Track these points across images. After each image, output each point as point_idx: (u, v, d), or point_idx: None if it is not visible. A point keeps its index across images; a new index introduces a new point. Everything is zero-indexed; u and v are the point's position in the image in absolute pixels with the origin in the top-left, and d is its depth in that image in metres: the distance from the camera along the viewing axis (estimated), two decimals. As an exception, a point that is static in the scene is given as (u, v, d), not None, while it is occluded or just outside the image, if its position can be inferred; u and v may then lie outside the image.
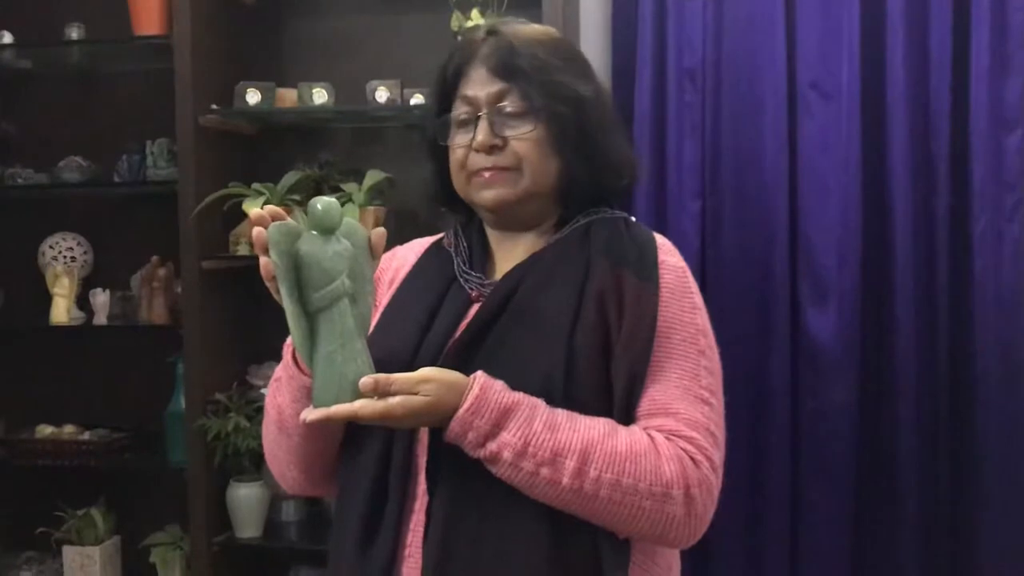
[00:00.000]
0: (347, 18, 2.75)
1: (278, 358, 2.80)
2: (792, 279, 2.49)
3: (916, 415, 2.40)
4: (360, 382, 1.05)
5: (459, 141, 1.25)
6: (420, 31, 2.64)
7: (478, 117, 1.23)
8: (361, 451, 1.18)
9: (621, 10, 2.63)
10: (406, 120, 2.65)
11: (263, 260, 1.08)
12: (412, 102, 2.53)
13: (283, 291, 1.06)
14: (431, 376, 1.08)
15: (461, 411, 1.07)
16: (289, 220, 1.08)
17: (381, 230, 1.15)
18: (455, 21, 2.39)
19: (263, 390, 2.68)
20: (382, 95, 2.53)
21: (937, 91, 2.41)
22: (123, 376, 2.90)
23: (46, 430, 2.84)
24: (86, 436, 2.82)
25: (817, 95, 2.47)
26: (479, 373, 1.10)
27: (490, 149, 1.22)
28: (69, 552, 2.71)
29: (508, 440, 1.07)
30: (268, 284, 1.10)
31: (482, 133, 1.22)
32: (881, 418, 2.44)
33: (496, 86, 1.23)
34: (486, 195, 1.24)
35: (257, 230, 1.06)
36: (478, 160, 1.23)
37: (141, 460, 2.82)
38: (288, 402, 1.20)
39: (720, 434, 1.16)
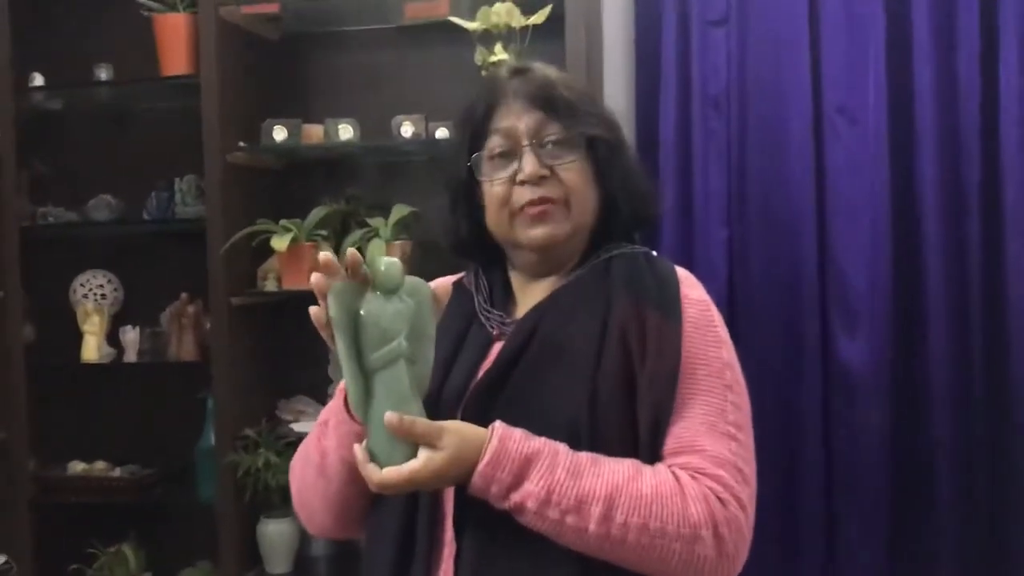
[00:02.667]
0: (371, 53, 2.77)
1: (307, 392, 2.85)
2: (822, 305, 2.46)
3: (950, 442, 2.35)
4: (384, 417, 1.04)
5: (499, 175, 1.22)
6: (444, 66, 2.65)
7: (520, 149, 1.21)
8: (389, 497, 1.16)
9: (644, 37, 2.62)
10: (431, 154, 2.66)
11: (314, 309, 1.07)
12: (437, 136, 2.53)
13: (341, 349, 1.05)
14: (450, 427, 1.06)
15: (481, 465, 1.06)
16: (352, 280, 1.06)
17: (446, 286, 1.13)
18: (479, 56, 2.39)
19: (292, 425, 2.69)
20: (407, 130, 2.54)
21: (966, 113, 2.37)
22: (153, 412, 2.91)
23: (78, 467, 2.86)
24: (117, 472, 2.83)
25: (844, 119, 2.45)
26: (497, 424, 1.09)
27: (539, 180, 1.20)
28: (101, 589, 2.72)
29: (531, 490, 1.05)
30: (318, 328, 1.08)
31: (530, 164, 1.20)
32: (915, 445, 2.39)
33: (536, 117, 1.22)
34: (535, 233, 1.21)
35: (318, 278, 1.05)
36: (524, 193, 1.20)
37: (171, 496, 2.83)
38: (334, 447, 1.18)
39: (749, 469, 1.14)
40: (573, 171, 1.21)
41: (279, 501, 2.63)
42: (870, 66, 2.42)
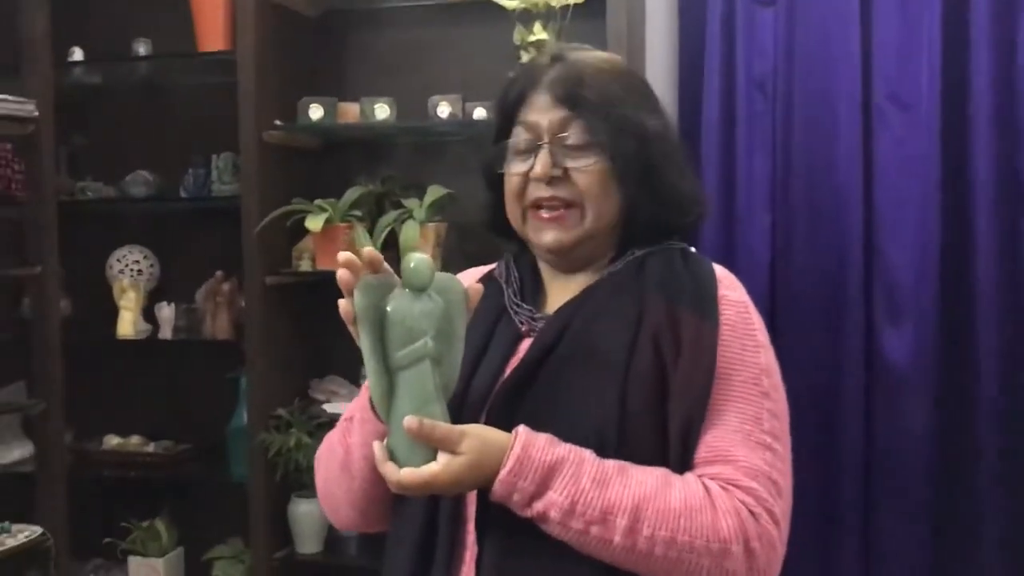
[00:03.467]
0: (409, 32, 2.73)
1: (340, 372, 2.84)
2: (867, 297, 2.39)
3: (998, 441, 2.28)
4: (404, 421, 1.01)
5: (516, 169, 1.19)
6: (482, 45, 2.59)
7: (539, 146, 1.17)
8: (410, 498, 1.13)
9: (688, 18, 2.55)
10: (468, 134, 2.62)
11: (342, 303, 1.04)
12: (474, 116, 2.49)
13: (365, 346, 1.02)
14: (471, 432, 1.03)
15: (503, 472, 1.02)
16: (380, 275, 1.03)
17: (478, 286, 1.09)
18: (518, 35, 2.34)
19: (324, 405, 2.68)
20: (444, 110, 2.50)
21: (1023, 102, 2.27)
22: (187, 389, 2.93)
23: (113, 440, 2.89)
24: (151, 448, 2.85)
25: (895, 106, 2.36)
26: (521, 429, 1.05)
27: (550, 180, 1.16)
28: (134, 563, 2.75)
29: (555, 499, 1.02)
30: (346, 323, 1.05)
31: (541, 163, 1.16)
32: (961, 444, 2.32)
33: (559, 114, 1.17)
34: (545, 238, 1.18)
35: (344, 273, 1.02)
36: (536, 190, 1.18)
37: (204, 473, 2.84)
38: (358, 443, 1.15)
39: (784, 482, 1.09)
40: (590, 175, 1.16)
41: (310, 481, 2.62)
42: (924, 51, 2.33)
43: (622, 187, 1.17)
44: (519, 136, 1.20)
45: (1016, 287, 2.29)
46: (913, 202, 2.35)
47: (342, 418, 1.24)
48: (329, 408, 2.66)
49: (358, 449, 1.15)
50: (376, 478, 1.09)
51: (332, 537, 2.69)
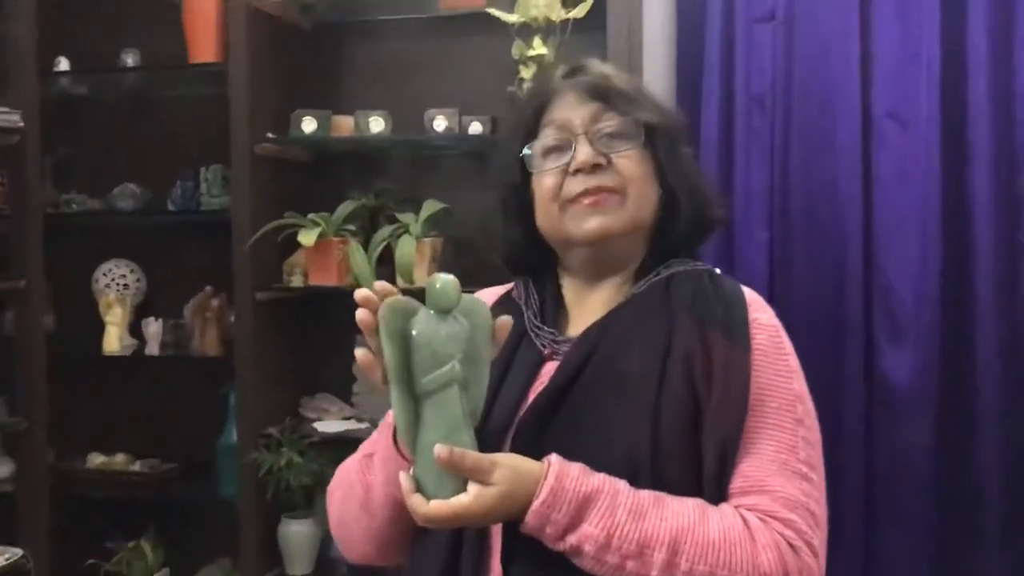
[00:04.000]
0: (405, 45, 2.69)
1: (331, 390, 2.79)
2: (866, 315, 2.37)
3: (999, 461, 2.26)
4: (435, 449, 0.97)
5: (551, 166, 1.16)
6: (480, 58, 2.57)
7: (574, 139, 1.15)
8: (434, 530, 1.08)
9: (687, 32, 2.54)
10: (464, 148, 2.59)
11: (360, 352, 1.00)
12: (470, 130, 2.46)
13: (390, 370, 0.98)
14: (503, 461, 0.99)
15: (536, 504, 0.98)
16: (400, 296, 0.99)
17: (506, 319, 1.04)
18: (517, 49, 2.32)
19: (315, 424, 2.63)
20: (440, 124, 2.47)
21: (1022, 121, 2.27)
22: (174, 406, 2.87)
23: (97, 459, 2.82)
24: (136, 466, 2.79)
25: (894, 124, 2.35)
26: (553, 458, 1.01)
27: (592, 168, 1.13)
28: (119, 585, 2.68)
29: (590, 532, 0.98)
30: (366, 373, 1.02)
31: (583, 152, 1.14)
32: (961, 464, 2.31)
33: (591, 107, 1.16)
34: (589, 224, 1.14)
35: (363, 313, 0.98)
36: (576, 184, 1.14)
37: (191, 492, 2.78)
38: (380, 483, 1.11)
39: (821, 512, 1.06)
40: (630, 160, 1.14)
41: (301, 501, 2.58)
42: (923, 68, 2.32)
43: (660, 177, 1.17)
44: (548, 136, 1.17)
45: (1016, 305, 2.28)
46: (913, 219, 2.34)
47: (361, 452, 1.19)
48: (320, 427, 2.61)
49: (381, 488, 1.11)
50: (398, 516, 1.05)
51: (323, 558, 2.64)
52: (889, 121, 2.36)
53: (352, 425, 2.62)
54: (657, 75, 2.54)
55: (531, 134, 1.19)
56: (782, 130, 2.43)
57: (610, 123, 1.15)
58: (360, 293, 0.99)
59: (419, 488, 1.00)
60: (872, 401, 2.36)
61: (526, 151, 1.18)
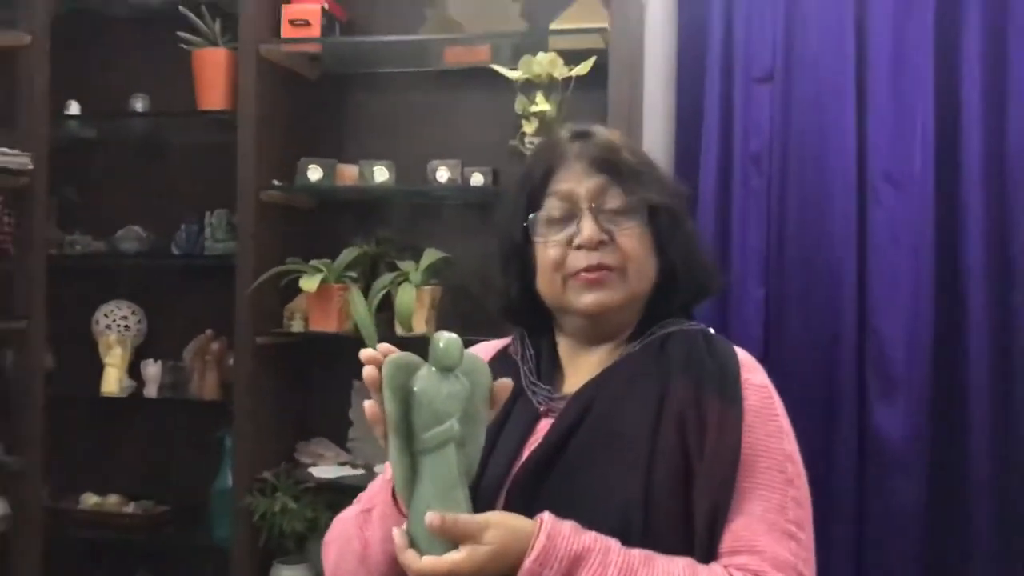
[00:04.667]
0: (409, 96, 2.75)
1: (327, 435, 2.79)
2: (859, 372, 2.39)
3: (991, 519, 2.27)
4: (426, 518, 0.99)
5: (555, 238, 1.19)
6: (482, 112, 2.62)
7: (578, 213, 1.17)
8: None
9: (686, 91, 2.59)
10: (465, 199, 2.63)
11: (368, 404, 1.03)
12: (472, 182, 2.50)
13: (389, 427, 1.00)
14: (495, 521, 1.01)
15: (528, 562, 0.99)
16: (403, 353, 1.02)
17: (506, 381, 1.07)
18: (519, 104, 2.37)
19: (311, 469, 2.64)
20: (443, 175, 2.51)
21: (1015, 183, 2.31)
22: (170, 449, 2.88)
23: (91, 499, 2.82)
24: (130, 508, 2.79)
25: (889, 185, 2.39)
26: (546, 516, 1.03)
27: (597, 245, 1.16)
28: (108, 628, 2.66)
29: None
30: (372, 426, 1.04)
31: (588, 228, 1.16)
32: (953, 522, 2.31)
33: (596, 181, 1.18)
34: (588, 299, 1.17)
35: (370, 371, 1.01)
36: (579, 259, 1.16)
37: (184, 535, 2.78)
38: (378, 539, 1.12)
39: (809, 572, 1.08)
40: (633, 238, 1.17)
41: (293, 547, 2.58)
42: (917, 130, 2.36)
43: (660, 251, 1.19)
44: (552, 207, 1.19)
45: (1008, 363, 2.30)
46: (906, 278, 2.36)
47: (360, 506, 1.20)
48: (315, 472, 2.62)
49: (378, 544, 1.12)
50: (396, 573, 1.07)
51: (315, 605, 2.63)
52: (883, 182, 2.39)
53: (347, 471, 2.63)
54: (656, 132, 2.58)
55: (537, 198, 1.21)
56: (778, 189, 2.47)
57: (615, 199, 1.17)
58: (366, 353, 1.01)
59: (413, 544, 1.01)
60: (864, 458, 2.36)
61: (531, 217, 1.21)
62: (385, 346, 1.02)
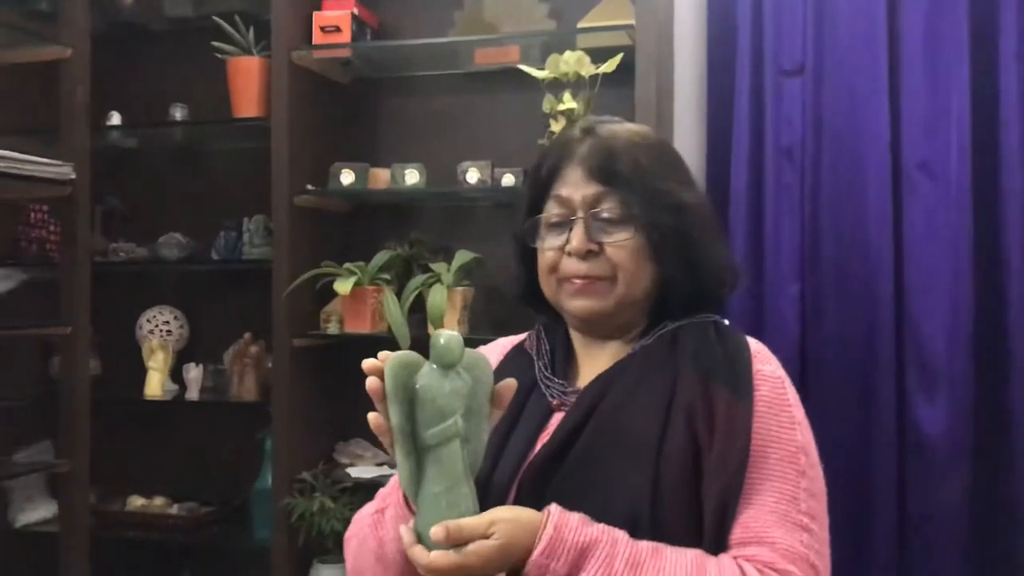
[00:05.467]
0: (439, 99, 2.77)
1: (365, 436, 2.82)
2: (899, 367, 2.35)
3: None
4: (431, 532, 0.99)
5: (550, 243, 1.20)
6: (511, 112, 2.63)
7: (573, 220, 1.18)
8: None
9: (716, 86, 2.57)
10: (496, 200, 2.64)
11: (372, 416, 1.04)
12: (503, 182, 2.51)
13: (394, 425, 1.02)
14: (502, 516, 1.02)
15: (535, 554, 1.00)
16: (405, 352, 1.03)
17: (511, 381, 1.08)
18: (547, 104, 2.37)
19: (349, 469, 2.67)
20: (473, 176, 2.52)
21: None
22: (213, 451, 2.93)
23: (137, 501, 2.88)
24: (175, 509, 2.84)
25: (924, 174, 2.35)
26: (553, 508, 1.03)
27: (585, 254, 1.17)
28: (155, 626, 2.72)
29: None
30: (380, 438, 1.05)
31: (577, 238, 1.17)
32: (997, 520, 2.27)
33: (593, 189, 1.18)
34: (577, 305, 1.19)
35: (373, 380, 1.02)
36: (570, 266, 1.18)
37: (227, 536, 2.82)
38: (392, 538, 1.13)
39: (823, 564, 1.06)
40: (623, 249, 1.17)
41: (333, 546, 2.60)
42: (952, 120, 2.33)
43: (657, 260, 1.18)
44: (552, 211, 1.21)
45: (1051, 358, 2.25)
46: (944, 270, 2.32)
47: (375, 505, 1.22)
48: (354, 472, 2.65)
49: (392, 543, 1.13)
50: (412, 569, 1.08)
51: (354, 604, 2.65)
52: (919, 172, 2.36)
53: (386, 471, 2.65)
54: (687, 128, 2.57)
55: (541, 198, 1.23)
56: (811, 182, 2.44)
57: (609, 209, 1.17)
58: (368, 362, 1.03)
59: (421, 540, 1.02)
60: (905, 453, 2.33)
61: (532, 220, 1.22)
62: (386, 354, 1.04)
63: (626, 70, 2.33)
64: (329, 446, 2.78)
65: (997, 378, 2.29)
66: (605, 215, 1.17)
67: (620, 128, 1.24)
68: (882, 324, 2.35)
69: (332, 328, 2.65)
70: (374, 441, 2.78)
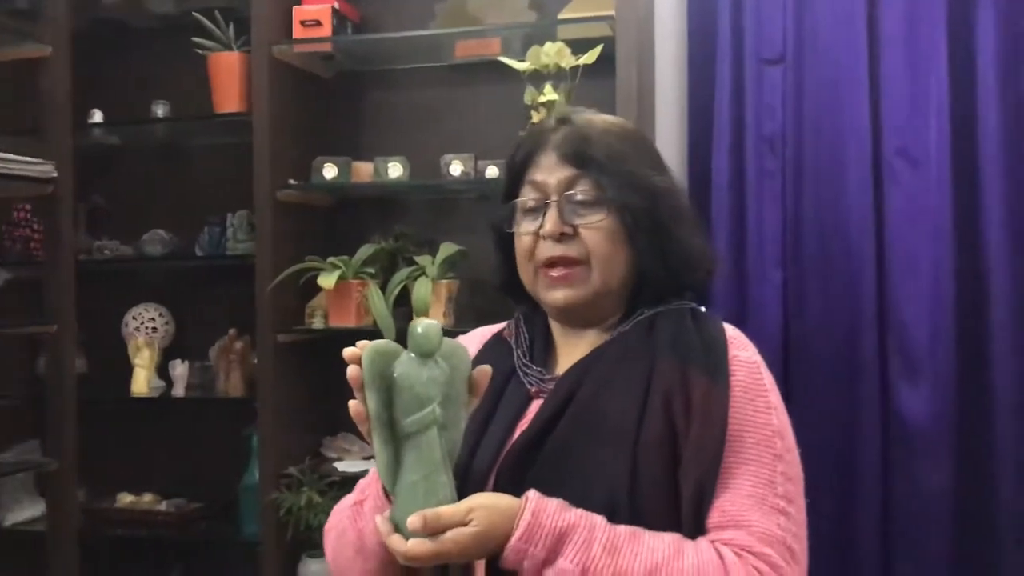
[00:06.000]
0: (422, 93, 2.77)
1: (352, 430, 2.83)
2: (881, 354, 2.37)
3: (1017, 501, 2.24)
4: (408, 521, 1.00)
5: (526, 228, 1.21)
6: (494, 104, 2.64)
7: (547, 204, 1.19)
8: (419, 569, 1.11)
9: (697, 76, 2.58)
10: (480, 192, 2.64)
11: (352, 403, 1.05)
12: (486, 174, 2.51)
13: (371, 413, 1.02)
14: (480, 503, 1.02)
15: (514, 539, 1.01)
16: (385, 341, 1.04)
17: (485, 368, 1.09)
18: (528, 95, 2.37)
19: (336, 463, 2.67)
20: (456, 168, 2.53)
21: (1034, 157, 2.29)
22: (200, 447, 2.93)
23: (126, 498, 2.88)
24: (163, 506, 2.84)
25: (905, 162, 2.37)
26: (531, 494, 1.04)
27: (559, 237, 1.17)
28: (145, 623, 2.72)
29: (565, 567, 1.00)
30: (359, 426, 1.06)
31: (551, 221, 1.18)
32: (979, 504, 2.29)
33: (567, 172, 1.19)
34: (554, 295, 1.19)
35: (354, 369, 1.03)
36: (546, 249, 1.19)
37: (216, 532, 2.83)
38: (371, 530, 1.14)
39: (799, 547, 1.07)
40: (598, 231, 1.17)
41: (321, 540, 2.60)
42: (932, 107, 2.34)
43: (631, 244, 1.18)
44: (527, 195, 1.21)
45: (1032, 343, 2.27)
46: (926, 257, 2.34)
47: (354, 496, 1.22)
48: (341, 466, 2.65)
49: (372, 535, 1.13)
50: (392, 559, 1.09)
51: (343, 597, 2.66)
52: (899, 159, 2.37)
53: (372, 465, 2.65)
54: (668, 118, 2.58)
55: (516, 185, 1.24)
56: (793, 171, 2.45)
57: (583, 191, 1.18)
58: (348, 351, 1.03)
59: (398, 528, 1.03)
60: (888, 440, 2.35)
61: (509, 205, 1.23)
62: (365, 343, 1.04)
63: (607, 61, 2.34)
64: (316, 441, 2.78)
65: (979, 364, 2.31)
66: (579, 197, 1.18)
67: (595, 118, 1.26)
68: (864, 311, 2.37)
69: (317, 323, 2.65)
70: (361, 435, 2.78)
